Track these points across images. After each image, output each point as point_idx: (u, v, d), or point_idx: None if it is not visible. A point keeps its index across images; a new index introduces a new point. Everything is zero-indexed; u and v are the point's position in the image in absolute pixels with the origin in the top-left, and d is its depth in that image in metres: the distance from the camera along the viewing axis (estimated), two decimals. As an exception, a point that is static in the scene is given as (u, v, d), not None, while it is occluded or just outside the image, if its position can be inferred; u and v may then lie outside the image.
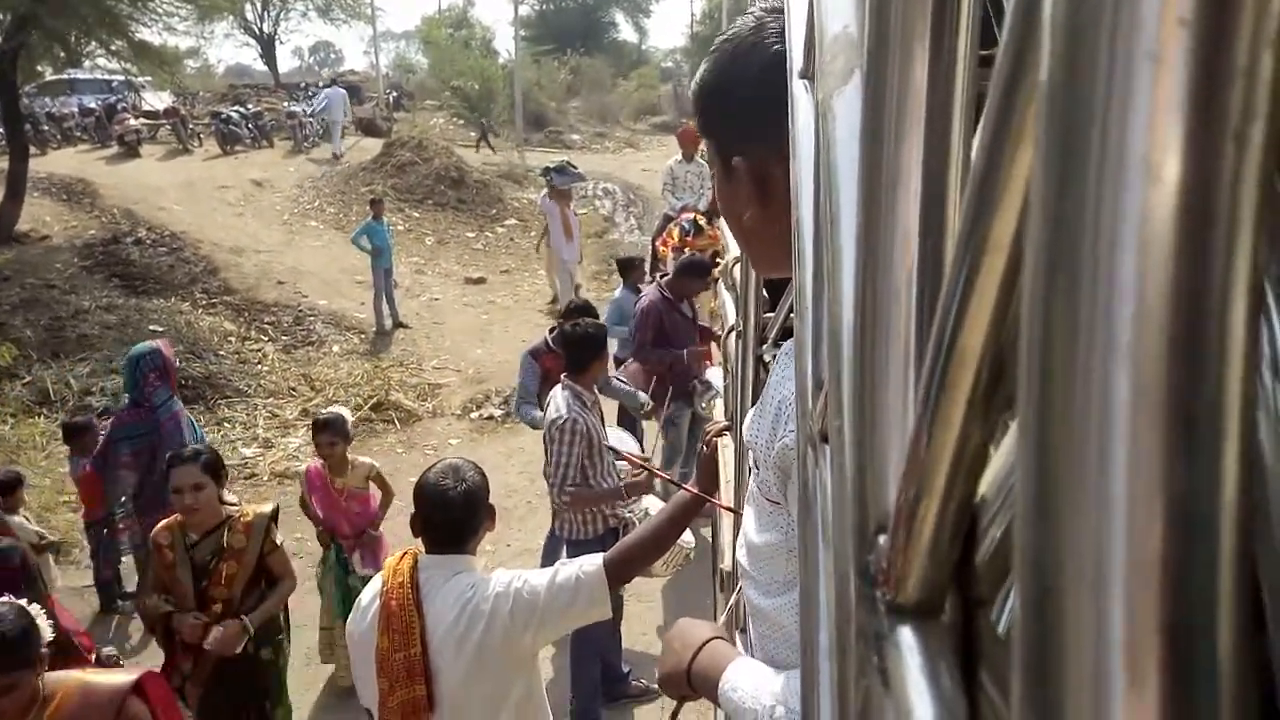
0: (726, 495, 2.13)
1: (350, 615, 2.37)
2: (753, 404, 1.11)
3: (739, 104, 0.90)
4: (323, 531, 4.34)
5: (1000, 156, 0.24)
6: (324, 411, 4.78)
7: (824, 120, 0.53)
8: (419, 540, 2.33)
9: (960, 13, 0.34)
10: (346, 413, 4.76)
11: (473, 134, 21.85)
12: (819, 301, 0.55)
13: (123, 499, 4.61)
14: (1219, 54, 0.17)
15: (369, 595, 2.30)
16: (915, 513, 0.33)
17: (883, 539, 0.37)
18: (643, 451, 4.78)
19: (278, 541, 3.38)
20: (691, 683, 1.09)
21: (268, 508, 3.43)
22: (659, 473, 3.68)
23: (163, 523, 3.26)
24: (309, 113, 19.07)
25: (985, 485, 0.31)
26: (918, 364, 0.35)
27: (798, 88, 0.72)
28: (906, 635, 0.35)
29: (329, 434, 4.30)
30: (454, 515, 2.26)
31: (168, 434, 4.11)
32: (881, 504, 0.37)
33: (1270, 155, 0.18)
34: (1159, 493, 0.18)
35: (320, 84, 26.71)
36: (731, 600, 1.59)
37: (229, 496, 3.48)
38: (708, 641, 1.10)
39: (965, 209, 0.27)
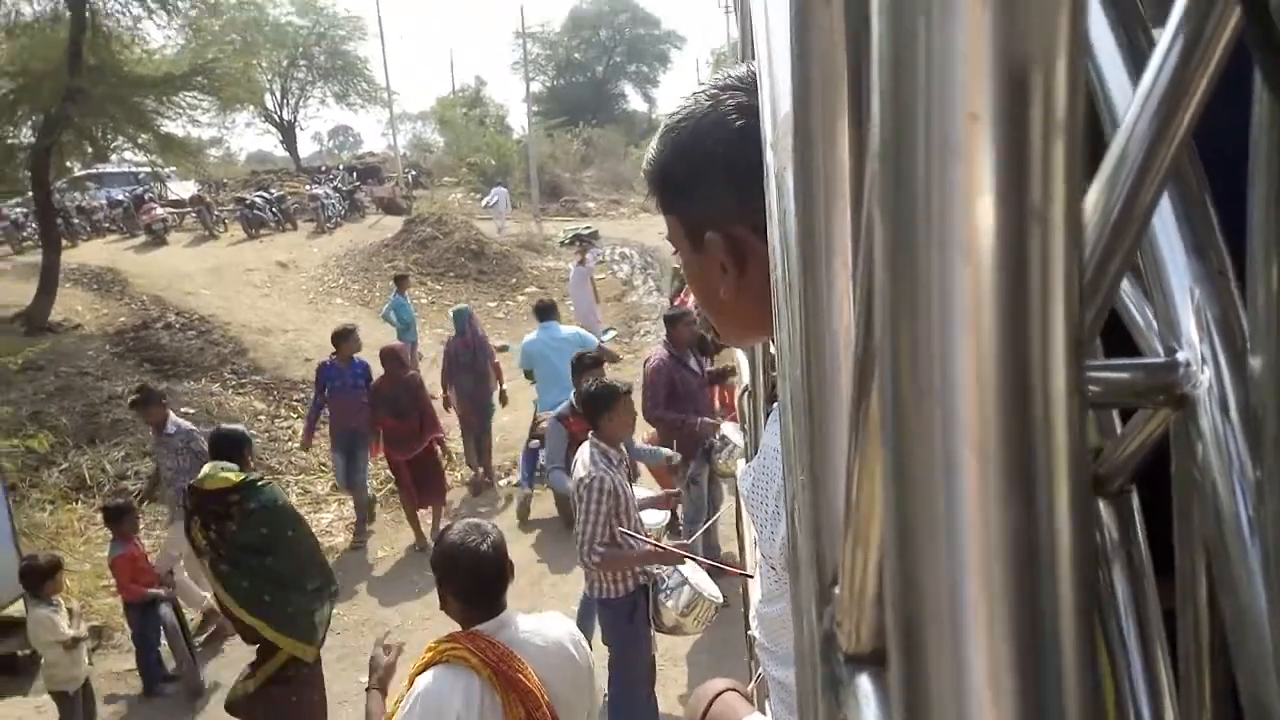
0: (752, 560, 2.12)
1: None
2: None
3: (708, 179, 0.89)
4: None
5: (870, 234, 0.26)
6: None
7: (779, 192, 0.56)
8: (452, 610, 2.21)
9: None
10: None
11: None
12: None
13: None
14: (1011, 144, 0.20)
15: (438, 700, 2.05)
16: (856, 563, 0.35)
17: (837, 590, 0.39)
18: (672, 515, 4.76)
19: None
20: None
21: None
22: (673, 550, 3.68)
23: None
24: (484, 205, 21.44)
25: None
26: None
27: (769, 156, 0.76)
28: (863, 683, 0.37)
29: None
30: (503, 569, 2.23)
31: (481, 343, 8.34)
32: (835, 557, 0.39)
33: (1075, 231, 0.20)
34: (998, 529, 0.20)
35: (340, 166, 27.45)
36: (760, 672, 1.59)
37: None
38: (721, 694, 1.10)
39: (858, 278, 0.29)
